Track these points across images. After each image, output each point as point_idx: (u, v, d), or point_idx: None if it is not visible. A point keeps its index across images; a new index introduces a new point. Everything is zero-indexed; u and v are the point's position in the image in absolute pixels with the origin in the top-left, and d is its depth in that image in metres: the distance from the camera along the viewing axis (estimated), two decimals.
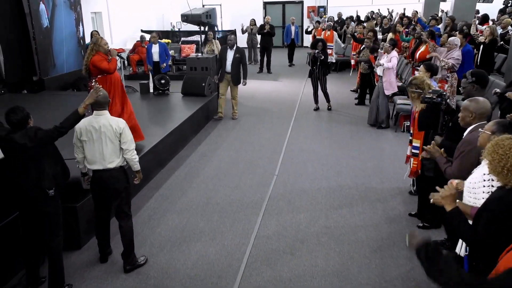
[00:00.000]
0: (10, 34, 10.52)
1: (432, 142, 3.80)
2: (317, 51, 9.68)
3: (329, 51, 14.61)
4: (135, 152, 4.37)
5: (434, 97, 4.31)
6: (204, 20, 10.33)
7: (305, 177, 6.59)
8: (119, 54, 7.03)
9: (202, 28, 11.10)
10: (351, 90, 12.08)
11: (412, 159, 5.08)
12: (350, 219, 5.31)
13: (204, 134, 8.74)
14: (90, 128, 4.18)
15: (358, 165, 6.97)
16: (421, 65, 5.81)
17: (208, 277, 4.27)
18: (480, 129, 3.06)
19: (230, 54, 9.29)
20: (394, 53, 8.71)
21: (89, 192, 4.91)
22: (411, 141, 5.07)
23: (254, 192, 6.13)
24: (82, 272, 4.41)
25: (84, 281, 4.28)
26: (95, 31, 11.44)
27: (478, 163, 3.22)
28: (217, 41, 12.40)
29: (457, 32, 10.65)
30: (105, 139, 4.17)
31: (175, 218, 5.43)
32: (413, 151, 5.04)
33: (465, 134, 3.56)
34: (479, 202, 2.73)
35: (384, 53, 8.71)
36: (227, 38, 9.71)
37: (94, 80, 6.26)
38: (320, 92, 10.17)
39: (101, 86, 5.26)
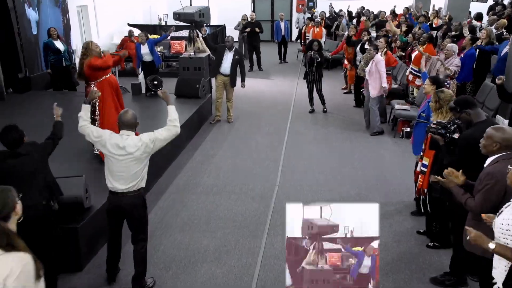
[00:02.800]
0: None
1: (446, 171, 3.67)
2: (313, 52, 9.53)
3: None
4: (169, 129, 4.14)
5: (439, 128, 4.24)
6: (197, 19, 10.05)
7: (307, 188, 6.46)
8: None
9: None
10: (344, 93, 11.96)
11: (419, 176, 4.99)
12: None
13: (199, 139, 8.55)
14: (114, 146, 3.94)
15: (360, 175, 6.87)
16: (427, 79, 5.67)
17: None
18: (510, 166, 2.94)
19: (229, 56, 9.07)
20: (379, 57, 8.53)
21: (89, 211, 4.74)
22: (422, 157, 4.96)
23: (256, 205, 5.99)
24: None
25: None
26: (52, 28, 10.70)
27: (505, 197, 3.14)
28: (202, 39, 11.91)
29: (452, 33, 10.64)
30: (127, 160, 3.95)
31: (178, 235, 5.26)
32: (422, 168, 4.92)
33: (486, 163, 3.45)
34: None
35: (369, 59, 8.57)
36: (225, 39, 9.48)
37: (92, 85, 6.06)
38: (315, 94, 10.04)
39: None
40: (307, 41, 15.17)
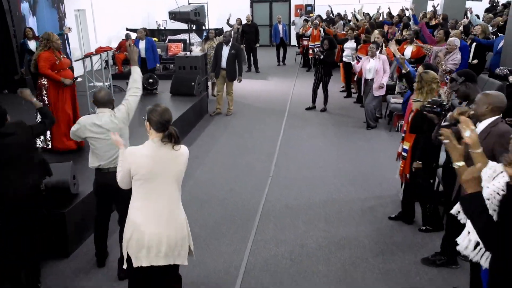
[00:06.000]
0: None
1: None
2: (317, 49, 9.58)
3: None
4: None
5: (434, 106, 4.19)
6: (192, 17, 10.13)
7: (302, 179, 6.41)
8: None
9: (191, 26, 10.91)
10: (340, 91, 11.93)
11: (401, 161, 4.94)
12: (350, 223, 5.15)
13: (195, 135, 8.52)
14: (93, 126, 3.95)
15: (356, 167, 6.81)
16: (420, 66, 5.64)
17: (205, 286, 4.07)
18: None
19: (225, 50, 9.30)
20: (383, 56, 8.53)
21: (77, 197, 4.70)
22: (403, 139, 4.90)
23: (249, 195, 5.93)
24: (71, 281, 4.17)
25: None
26: (28, 28, 10.35)
27: None
28: (218, 38, 11.97)
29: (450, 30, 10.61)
30: (108, 138, 3.93)
31: None
32: (403, 153, 4.87)
33: (480, 128, 3.39)
34: None
35: (371, 57, 8.52)
36: (223, 34, 9.60)
37: (43, 78, 5.98)
38: (320, 93, 9.94)
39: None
40: (303, 43, 15.28)
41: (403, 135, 4.90)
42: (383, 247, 4.60)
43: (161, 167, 3.05)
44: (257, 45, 14.92)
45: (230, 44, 9.32)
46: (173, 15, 10.15)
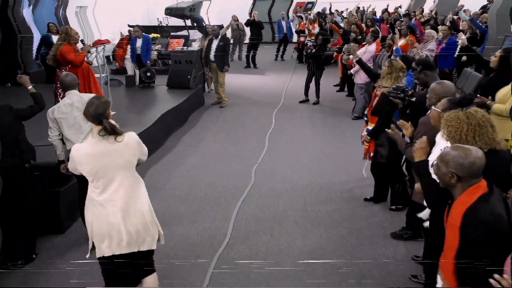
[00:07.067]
0: None
1: (392, 125, 3.94)
2: (311, 43, 9.86)
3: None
4: None
5: (398, 92, 4.51)
6: (187, 13, 10.48)
7: (288, 165, 6.73)
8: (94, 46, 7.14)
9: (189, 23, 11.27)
10: (334, 85, 12.21)
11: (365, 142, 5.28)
12: (328, 203, 5.48)
13: (189, 126, 8.87)
14: (64, 107, 4.32)
15: (341, 155, 7.14)
16: (398, 57, 5.95)
17: (187, 257, 4.41)
18: (432, 107, 3.24)
19: (214, 43, 9.76)
20: (373, 47, 8.85)
21: (72, 177, 5.01)
22: (367, 122, 5.26)
23: (236, 179, 6.26)
24: (64, 255, 4.51)
25: (66, 264, 4.35)
26: (52, 23, 10.95)
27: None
28: None
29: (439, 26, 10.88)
30: (80, 112, 4.24)
31: (157, 204, 5.40)
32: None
33: None
34: None
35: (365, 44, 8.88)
36: (212, 29, 10.02)
37: (64, 70, 6.30)
38: (312, 85, 10.25)
39: None
40: (300, 39, 15.58)
41: (365, 118, 5.23)
42: (355, 223, 4.93)
43: (104, 161, 3.05)
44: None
45: (219, 37, 9.78)
46: (169, 11, 10.50)
